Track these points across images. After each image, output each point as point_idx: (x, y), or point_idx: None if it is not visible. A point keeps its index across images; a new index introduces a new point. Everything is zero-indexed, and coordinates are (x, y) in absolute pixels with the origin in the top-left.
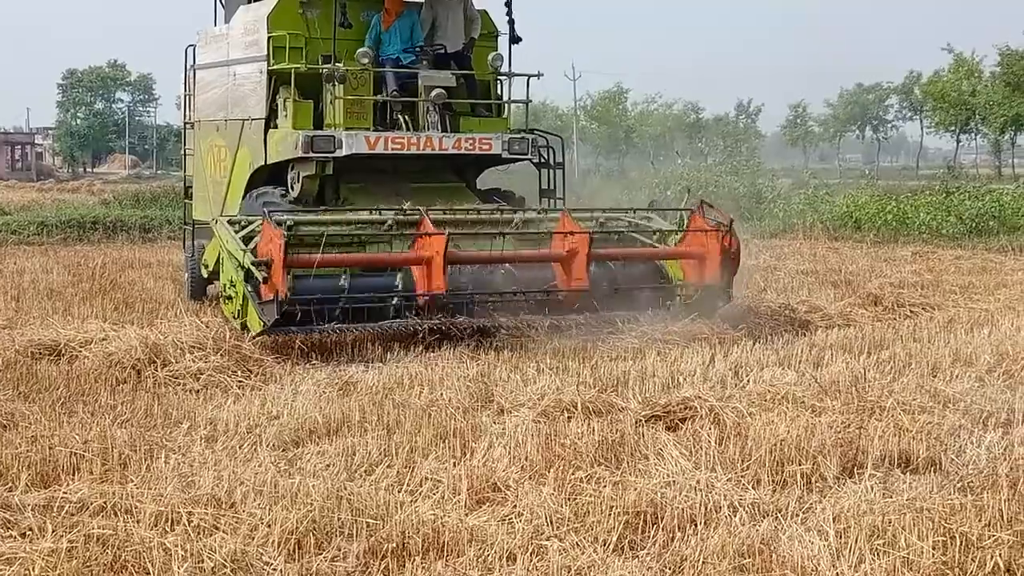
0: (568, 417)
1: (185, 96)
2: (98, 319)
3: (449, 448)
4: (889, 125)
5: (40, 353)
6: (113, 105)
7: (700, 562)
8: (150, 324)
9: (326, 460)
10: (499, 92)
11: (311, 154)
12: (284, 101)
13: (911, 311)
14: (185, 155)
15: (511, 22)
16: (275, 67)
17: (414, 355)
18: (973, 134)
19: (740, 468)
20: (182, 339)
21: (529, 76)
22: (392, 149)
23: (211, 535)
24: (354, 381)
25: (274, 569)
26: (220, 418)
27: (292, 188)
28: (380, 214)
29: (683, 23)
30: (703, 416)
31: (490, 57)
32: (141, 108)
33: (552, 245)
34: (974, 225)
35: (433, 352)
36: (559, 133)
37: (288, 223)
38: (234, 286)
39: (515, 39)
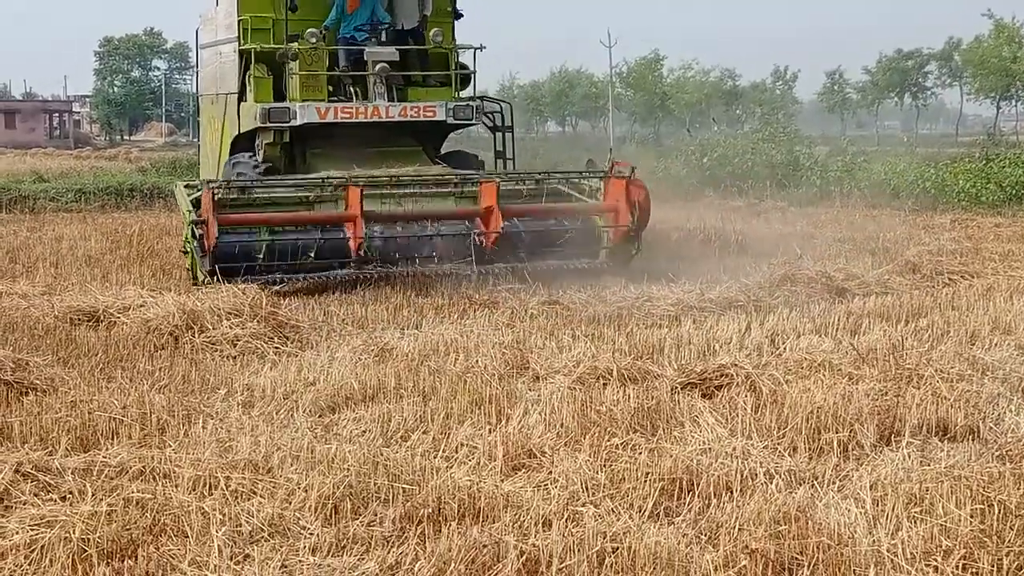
0: (604, 384)
1: (196, 72)
2: (136, 286)
3: (484, 415)
4: (928, 92)
5: (79, 319)
6: (150, 73)
7: (736, 529)
8: (187, 291)
9: (362, 426)
10: (456, 65)
11: (269, 124)
12: (250, 77)
13: (950, 279)
14: (198, 126)
15: (453, 1)
16: (243, 47)
17: (449, 322)
18: (1013, 101)
19: (776, 436)
20: (219, 306)
21: (473, 48)
22: (342, 118)
23: (249, 499)
24: (390, 348)
25: (311, 533)
26: (257, 384)
27: (257, 154)
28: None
29: None
30: (739, 383)
31: (431, 33)
32: (177, 76)
33: (479, 201)
34: (1014, 192)
35: (468, 319)
36: (507, 100)
37: (241, 186)
38: (187, 240)
39: (457, 15)
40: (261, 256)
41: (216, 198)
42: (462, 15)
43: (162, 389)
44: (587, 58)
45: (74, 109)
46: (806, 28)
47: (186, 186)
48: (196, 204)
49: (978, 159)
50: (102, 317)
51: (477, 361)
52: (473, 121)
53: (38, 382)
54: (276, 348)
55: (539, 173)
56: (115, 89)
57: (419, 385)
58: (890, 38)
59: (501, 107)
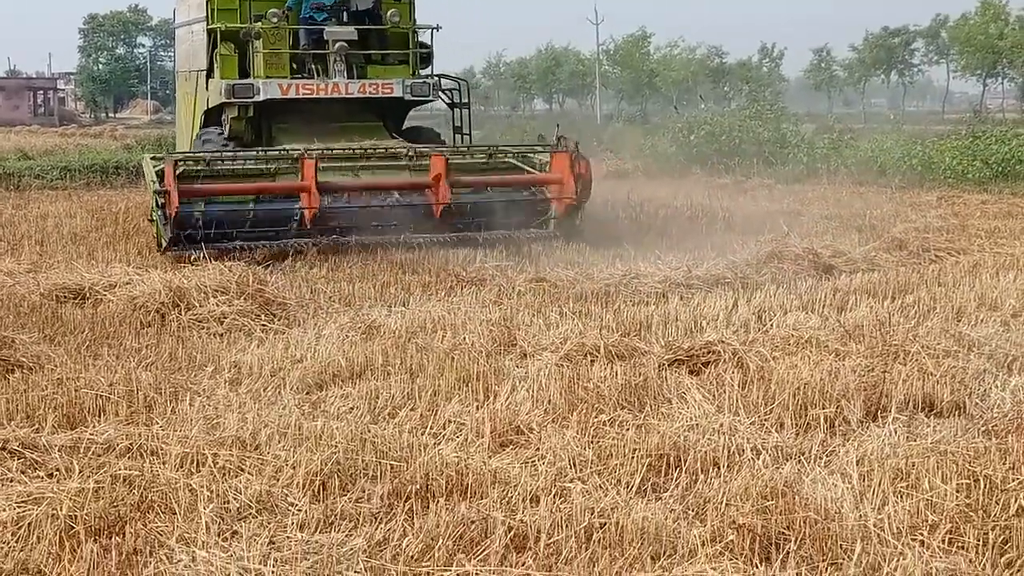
0: (591, 361)
1: (173, 50)
2: (122, 263)
3: (472, 391)
4: (915, 69)
5: (65, 297)
6: (134, 50)
7: (723, 504)
8: (174, 268)
9: (349, 403)
10: (415, 43)
11: (233, 99)
12: (217, 55)
13: (936, 256)
14: (175, 101)
15: None
16: (211, 26)
17: (437, 300)
18: (1000, 78)
19: (763, 412)
20: (206, 283)
21: (431, 28)
22: (303, 94)
23: (236, 476)
24: (377, 325)
25: (299, 510)
26: (244, 361)
27: (224, 128)
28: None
29: None
30: (726, 360)
31: (389, 13)
32: (162, 53)
33: (426, 177)
34: (1000, 169)
35: (456, 297)
36: (464, 78)
37: (205, 159)
38: (153, 211)
39: None
40: (222, 225)
41: (179, 170)
42: None
43: (149, 366)
44: (574, 36)
45: (59, 86)
46: (793, 4)
47: (152, 158)
48: (160, 175)
49: (964, 136)
50: (88, 295)
51: (464, 338)
52: (430, 97)
53: (24, 359)
54: (263, 325)
55: (489, 146)
56: (100, 66)
57: (406, 362)
58: (877, 15)
59: (459, 84)
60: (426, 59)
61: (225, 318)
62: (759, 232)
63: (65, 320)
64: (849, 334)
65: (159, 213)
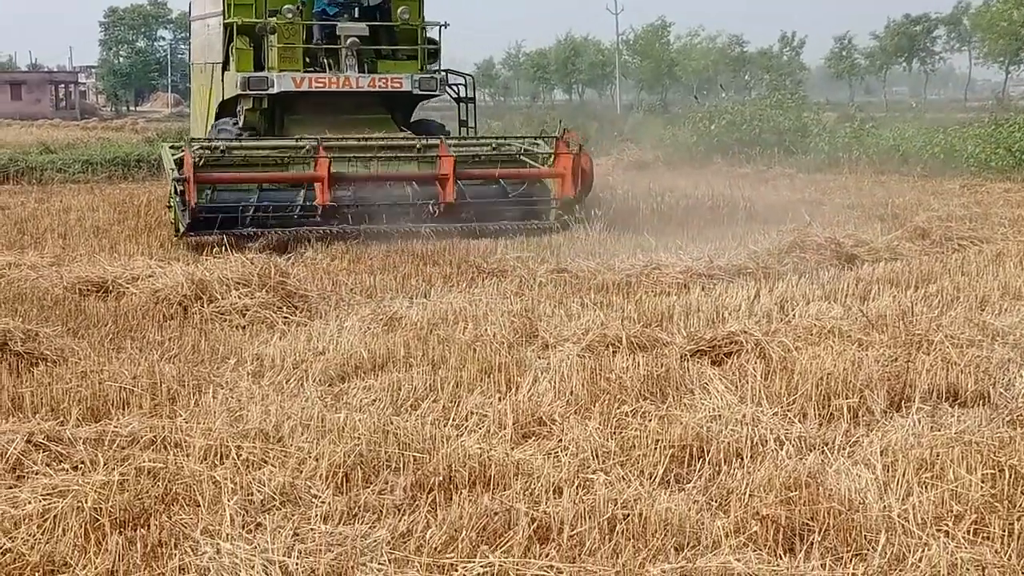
0: (613, 352)
1: (188, 42)
2: (144, 256)
3: (494, 383)
4: (937, 57)
5: (88, 290)
6: (155, 43)
7: (747, 495)
8: (196, 261)
9: (372, 395)
10: (424, 39)
11: (248, 91)
12: (232, 48)
13: (959, 244)
14: (191, 92)
15: None
16: (227, 20)
17: (458, 291)
18: (1023, 65)
19: (786, 402)
20: (228, 275)
21: (439, 25)
22: (315, 87)
23: (260, 468)
24: (399, 317)
25: (322, 501)
26: (266, 354)
27: (238, 119)
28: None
29: None
30: (748, 350)
31: (399, 10)
32: (182, 46)
33: (437, 168)
34: (1023, 157)
35: (477, 288)
36: (470, 73)
37: (221, 148)
38: (171, 197)
39: None
40: (237, 211)
41: (197, 159)
42: None
43: (172, 359)
44: (594, 26)
45: (80, 80)
46: None
47: (171, 147)
48: (179, 164)
49: (987, 124)
50: (111, 287)
51: (486, 330)
52: (437, 92)
53: (48, 353)
54: (285, 318)
55: (494, 138)
56: (120, 60)
57: (428, 354)
58: (898, 3)
59: (465, 80)
60: (434, 55)
61: (247, 310)
62: (781, 222)
63: (88, 313)
64: (872, 324)
65: (177, 200)
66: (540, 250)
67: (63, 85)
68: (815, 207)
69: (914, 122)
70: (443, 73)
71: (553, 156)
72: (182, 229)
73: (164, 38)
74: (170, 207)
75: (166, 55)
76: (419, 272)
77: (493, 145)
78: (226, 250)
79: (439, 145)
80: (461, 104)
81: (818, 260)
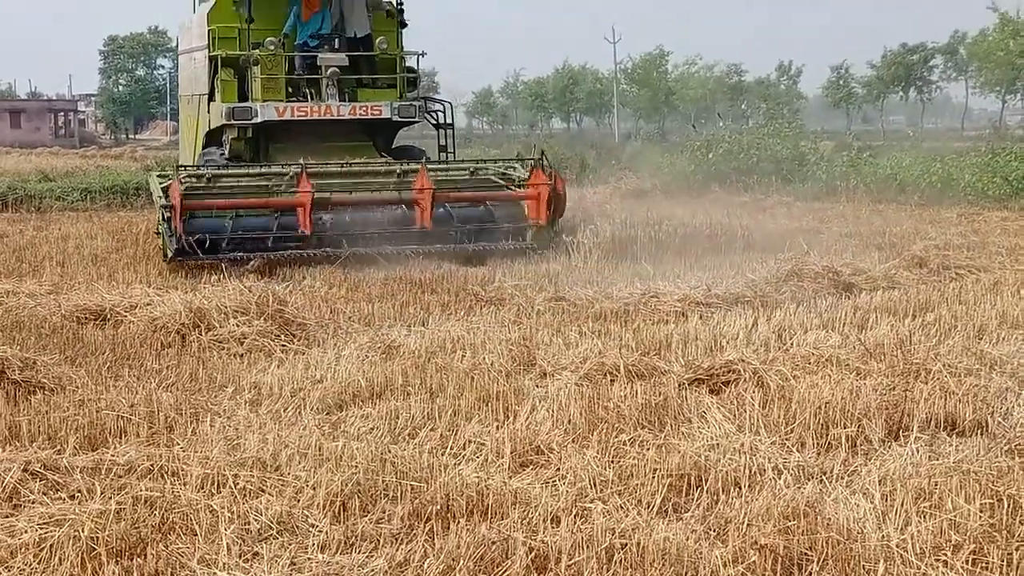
0: (611, 380)
1: (176, 75)
2: (143, 284)
3: (492, 411)
4: (934, 86)
5: (86, 318)
6: (154, 71)
7: (744, 524)
8: (194, 289)
9: (370, 423)
10: (403, 68)
11: (233, 121)
12: (218, 80)
13: (957, 273)
14: (179, 121)
15: (400, 11)
16: (212, 53)
17: (456, 319)
18: (1019, 94)
19: (784, 431)
20: (226, 304)
21: (416, 54)
22: (298, 116)
23: (257, 497)
24: (396, 345)
25: (320, 531)
26: (264, 382)
27: (224, 148)
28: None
29: None
30: (746, 379)
31: (377, 41)
32: None
33: (413, 193)
34: (1020, 186)
35: (475, 316)
36: (448, 100)
37: (207, 176)
38: (159, 224)
39: (402, 24)
40: (224, 237)
41: (184, 185)
42: (407, 24)
43: (169, 387)
44: (592, 55)
45: (79, 108)
46: (811, 24)
47: (158, 175)
48: (166, 192)
49: (984, 153)
50: (109, 316)
51: (484, 358)
52: (416, 119)
53: (46, 381)
54: (283, 346)
55: (472, 162)
56: (120, 88)
57: (426, 382)
58: (895, 33)
59: (444, 107)
60: (412, 83)
61: (245, 339)
62: (778, 250)
63: (86, 341)
64: (870, 352)
65: (165, 226)
66: (538, 278)
67: (62, 113)
68: (813, 236)
69: (911, 151)
70: (422, 100)
71: (528, 180)
72: (170, 254)
73: (163, 66)
74: (158, 233)
75: (165, 83)
76: (417, 300)
77: (471, 169)
78: (224, 278)
79: (419, 170)
80: (440, 130)
81: (816, 289)
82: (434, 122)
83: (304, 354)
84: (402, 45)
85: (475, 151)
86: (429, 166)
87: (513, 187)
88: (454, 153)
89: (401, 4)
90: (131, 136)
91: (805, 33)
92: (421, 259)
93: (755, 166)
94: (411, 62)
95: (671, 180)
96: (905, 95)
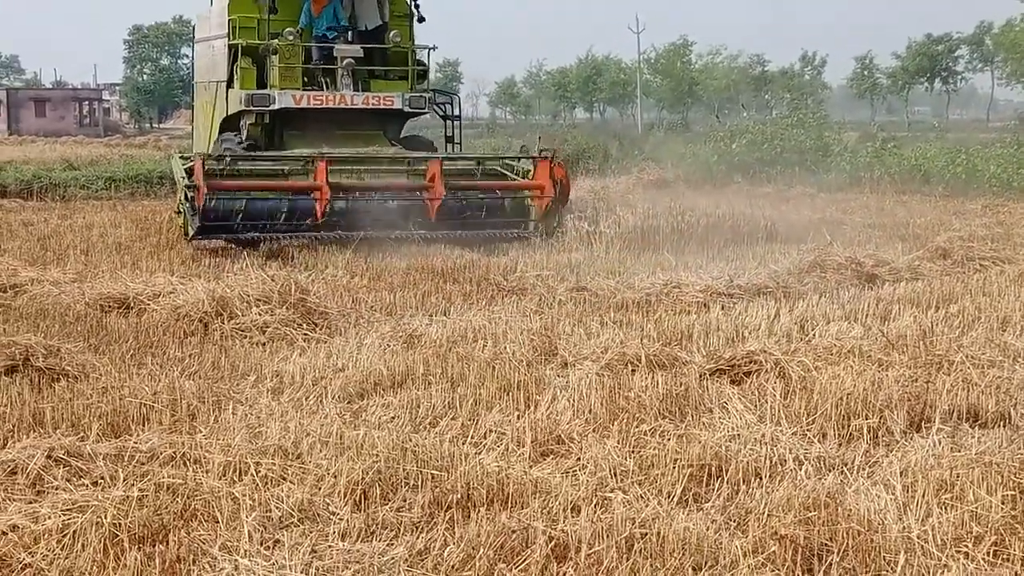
0: (632, 370)
1: (192, 62)
2: (166, 273)
3: (513, 401)
4: (959, 77)
5: (110, 306)
6: (179, 61)
7: (765, 515)
8: (217, 278)
9: (391, 412)
10: (414, 61)
11: (251, 107)
12: (236, 67)
13: (981, 265)
14: (193, 109)
15: (416, 6)
16: (232, 42)
17: (477, 309)
18: None
19: (805, 422)
20: (248, 292)
21: (428, 48)
22: (314, 104)
23: (278, 485)
24: (418, 334)
25: (340, 519)
26: (286, 370)
27: (241, 133)
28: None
29: None
30: (768, 370)
31: (391, 34)
32: None
33: (425, 181)
34: None
35: (496, 306)
36: (455, 92)
37: (227, 160)
38: (181, 203)
39: (420, 19)
40: (243, 217)
41: (206, 167)
42: (424, 19)
43: (192, 375)
44: (615, 44)
45: (104, 97)
46: (836, 12)
47: (181, 157)
48: (189, 173)
49: (1009, 144)
50: (132, 304)
51: (505, 348)
52: (426, 110)
53: (69, 368)
54: (305, 335)
55: (479, 154)
56: (144, 77)
57: (447, 371)
58: (921, 23)
59: (451, 99)
60: (422, 75)
61: (267, 327)
62: (801, 241)
63: (110, 329)
64: (892, 344)
65: (187, 206)
66: (560, 268)
67: (87, 102)
68: (836, 227)
69: (936, 142)
70: (431, 92)
71: (533, 170)
72: (192, 232)
73: (187, 55)
74: (179, 212)
75: (189, 72)
76: (439, 290)
77: (479, 159)
78: (247, 267)
79: (431, 160)
80: (447, 121)
81: (838, 280)
82: (441, 113)
83: (326, 343)
84: (414, 39)
85: (499, 141)
86: (440, 157)
87: (519, 178)
88: (460, 144)
89: (416, 1)
90: (155, 125)
91: (830, 23)
92: (431, 244)
93: (778, 157)
94: (421, 55)
95: (694, 171)
96: (930, 86)
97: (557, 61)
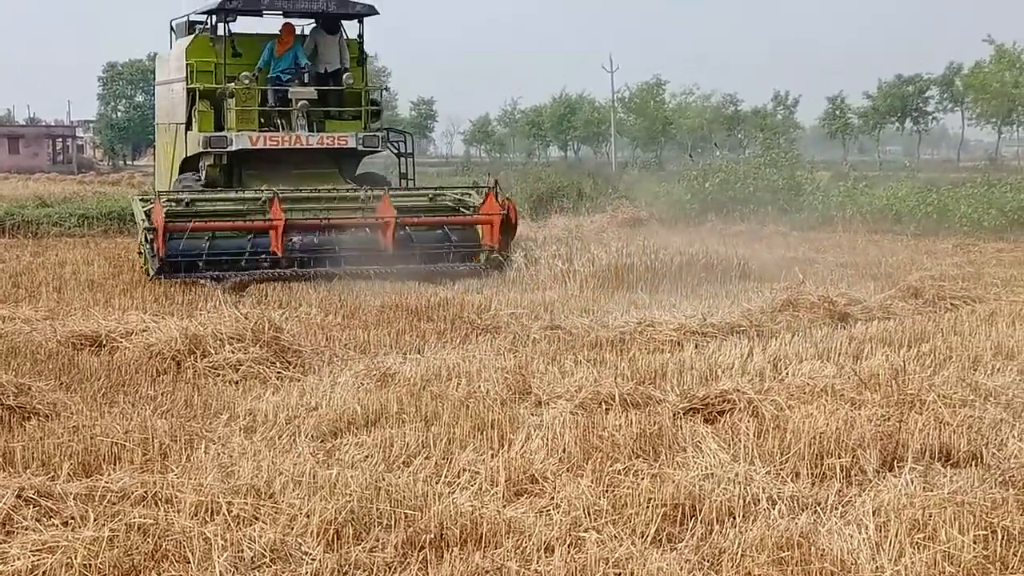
0: (606, 409)
1: (153, 104)
2: (139, 310)
3: (487, 440)
4: (930, 117)
5: (82, 344)
6: (153, 98)
7: (739, 555)
8: (190, 315)
9: (364, 451)
10: (367, 101)
11: (209, 149)
12: (195, 110)
13: (952, 304)
14: (155, 150)
15: (360, 47)
16: (190, 85)
17: (451, 347)
18: (1015, 126)
19: (779, 461)
20: (221, 330)
21: (380, 88)
22: (270, 145)
23: (251, 525)
24: (392, 373)
25: (313, 559)
26: (259, 409)
27: (200, 174)
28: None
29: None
30: (741, 409)
31: (345, 76)
32: None
33: (377, 217)
34: (1016, 218)
35: (470, 344)
36: (409, 131)
37: (185, 200)
38: (142, 244)
39: (362, 60)
40: (201, 256)
41: (164, 208)
42: (367, 58)
43: (164, 414)
44: (589, 84)
45: (77, 134)
46: (807, 54)
47: (140, 199)
48: (148, 215)
49: (980, 184)
50: (104, 342)
51: (479, 386)
52: (379, 148)
53: (40, 407)
54: (278, 373)
55: (432, 189)
56: (118, 114)
57: (421, 410)
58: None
59: (404, 137)
60: (376, 115)
61: (241, 365)
62: (774, 280)
63: (82, 367)
64: (865, 383)
65: (147, 247)
66: (534, 307)
67: (61, 139)
68: (809, 265)
69: (907, 181)
70: (385, 131)
71: (481, 204)
72: (152, 272)
73: None
74: (140, 254)
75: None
76: (413, 328)
77: (430, 196)
78: (220, 304)
79: (382, 196)
80: (401, 159)
81: (811, 318)
82: (396, 151)
83: (299, 381)
84: (367, 80)
85: (473, 177)
86: (391, 192)
87: (469, 213)
88: (414, 180)
89: (361, 40)
90: (129, 162)
91: (802, 62)
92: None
93: (751, 195)
94: (375, 95)
95: (668, 209)
96: (901, 126)
97: (531, 100)
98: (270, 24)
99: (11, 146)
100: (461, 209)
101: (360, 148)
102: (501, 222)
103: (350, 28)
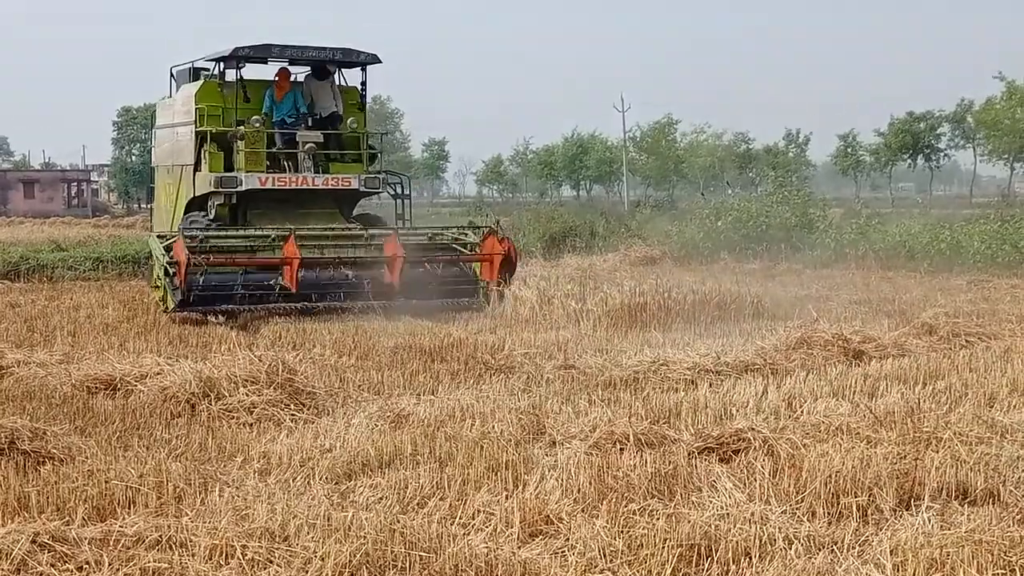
0: (620, 449)
1: (151, 147)
2: (153, 353)
3: (501, 480)
4: (941, 153)
5: (96, 387)
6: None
7: None
8: (204, 358)
9: (379, 493)
10: (366, 145)
11: (220, 189)
12: (204, 152)
13: (967, 341)
14: (151, 190)
15: (362, 95)
16: (199, 129)
17: (465, 388)
18: None
19: (795, 500)
20: (236, 373)
21: (380, 133)
22: (278, 185)
23: (265, 568)
24: (406, 414)
25: None
26: (273, 451)
27: (210, 213)
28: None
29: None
30: (756, 448)
31: (348, 121)
32: None
33: (385, 253)
34: None
35: (484, 384)
36: (406, 173)
37: (200, 237)
38: (160, 279)
39: (362, 106)
40: (219, 290)
41: (187, 245)
42: (365, 106)
43: (179, 457)
44: (601, 123)
45: (92, 178)
46: (818, 93)
47: (159, 236)
48: (169, 249)
49: (993, 220)
50: (119, 385)
51: (493, 427)
52: (380, 189)
53: (55, 451)
54: (292, 415)
55: (431, 228)
56: (133, 158)
57: (435, 451)
58: (903, 102)
59: (402, 179)
60: (373, 157)
61: (255, 408)
62: (788, 318)
63: (96, 411)
64: (880, 421)
65: (167, 280)
66: (547, 346)
67: (75, 183)
68: (822, 303)
69: (920, 218)
70: (383, 173)
71: (481, 243)
72: (173, 306)
73: None
74: (157, 287)
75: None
76: (427, 369)
77: (430, 235)
78: (234, 347)
79: (389, 235)
80: (398, 200)
81: (825, 356)
82: (393, 193)
83: (313, 423)
84: (367, 125)
85: (486, 218)
86: (398, 231)
87: (468, 252)
88: (410, 220)
89: (364, 87)
90: (144, 206)
91: (814, 101)
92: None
93: (764, 234)
94: (373, 140)
95: (680, 248)
96: (913, 163)
97: (543, 139)
98: (266, 71)
99: (27, 191)
100: (459, 248)
101: (362, 189)
102: (502, 260)
103: (353, 76)
